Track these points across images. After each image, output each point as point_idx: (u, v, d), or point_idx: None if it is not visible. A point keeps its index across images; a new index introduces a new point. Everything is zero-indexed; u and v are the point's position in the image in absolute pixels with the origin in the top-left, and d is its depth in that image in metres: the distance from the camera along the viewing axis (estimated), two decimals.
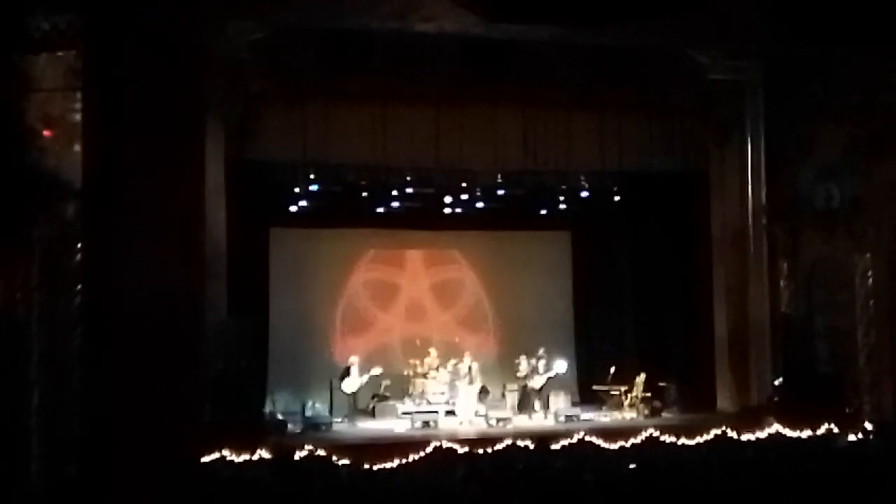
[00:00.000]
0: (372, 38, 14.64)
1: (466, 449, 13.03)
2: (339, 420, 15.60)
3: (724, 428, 14.26)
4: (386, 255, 18.66)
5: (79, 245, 10.21)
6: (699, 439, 13.99)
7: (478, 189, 17.04)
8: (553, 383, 16.59)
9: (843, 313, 15.96)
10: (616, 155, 16.43)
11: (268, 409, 15.33)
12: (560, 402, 16.41)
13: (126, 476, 6.45)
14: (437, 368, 16.73)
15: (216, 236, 13.55)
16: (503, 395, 16.82)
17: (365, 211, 17.53)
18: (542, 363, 16.32)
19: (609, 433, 14.07)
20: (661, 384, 16.62)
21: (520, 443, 13.38)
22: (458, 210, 17.67)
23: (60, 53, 11.28)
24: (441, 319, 18.60)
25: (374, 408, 16.44)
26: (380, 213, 17.59)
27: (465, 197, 17.26)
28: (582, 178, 17.01)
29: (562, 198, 17.78)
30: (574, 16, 14.23)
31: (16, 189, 11.22)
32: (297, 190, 16.40)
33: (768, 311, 16.09)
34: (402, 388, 16.79)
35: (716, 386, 16.67)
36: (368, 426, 15.63)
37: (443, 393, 16.32)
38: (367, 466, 12.31)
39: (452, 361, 16.52)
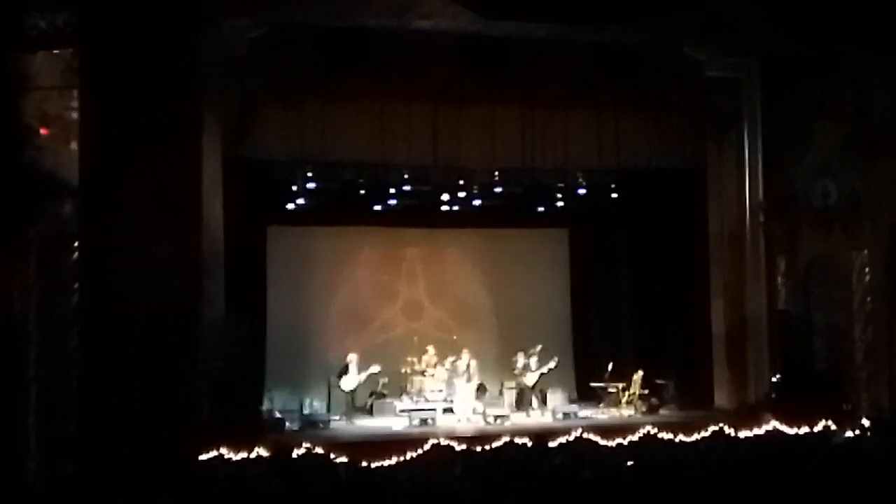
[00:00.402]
0: (369, 36, 14.63)
1: (464, 446, 13.02)
2: (337, 418, 15.60)
3: (721, 425, 14.28)
4: (383, 252, 18.65)
5: (76, 243, 10.20)
6: (697, 436, 14.00)
7: (475, 186, 17.03)
8: (551, 380, 16.60)
9: (841, 310, 15.99)
10: (613, 152, 16.41)
11: (266, 407, 15.33)
12: (558, 400, 16.43)
13: (124, 474, 6.45)
14: (434, 366, 16.74)
15: (214, 234, 13.54)
16: (501, 393, 16.83)
17: (362, 209, 17.52)
18: (533, 360, 16.31)
19: (607, 430, 14.08)
20: (659, 381, 16.63)
21: (517, 440, 13.40)
22: (456, 207, 17.66)
23: (57, 51, 11.28)
24: (439, 317, 18.60)
25: (371, 405, 16.44)
26: (377, 210, 17.58)
27: (462, 194, 17.25)
28: (579, 175, 17.00)
29: (559, 195, 17.77)
30: (571, 13, 14.24)
31: (13, 187, 11.22)
32: (294, 188, 16.39)
33: (765, 308, 16.10)
34: (399, 385, 16.79)
35: (713, 383, 16.68)
36: (366, 424, 15.63)
37: (441, 390, 16.33)
38: (364, 464, 12.33)
39: (450, 359, 16.53)
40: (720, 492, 11.29)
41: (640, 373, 16.37)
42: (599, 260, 19.39)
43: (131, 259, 6.56)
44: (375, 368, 16.03)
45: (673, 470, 11.94)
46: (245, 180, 14.90)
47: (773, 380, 15.73)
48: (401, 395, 16.60)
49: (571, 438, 13.55)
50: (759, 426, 14.50)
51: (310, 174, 16.01)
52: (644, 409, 16.16)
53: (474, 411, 15.69)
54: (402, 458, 12.60)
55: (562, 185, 17.30)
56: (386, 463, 12.46)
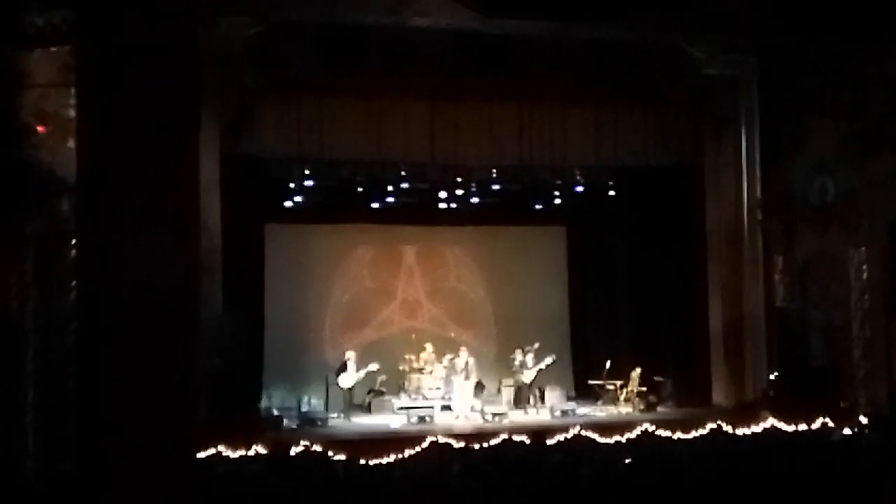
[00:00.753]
0: (367, 33, 14.62)
1: (462, 444, 13.04)
2: (335, 415, 15.60)
3: (719, 422, 14.30)
4: (381, 250, 18.64)
5: (73, 241, 10.21)
6: (694, 433, 14.02)
7: (473, 184, 17.04)
8: (549, 378, 16.60)
9: (838, 307, 16.01)
10: (611, 149, 16.42)
11: (264, 404, 15.33)
12: (556, 397, 16.44)
13: (122, 472, 6.45)
14: (432, 364, 16.74)
15: (211, 232, 13.53)
16: (499, 390, 16.84)
17: (360, 206, 17.51)
18: (531, 357, 16.32)
19: (605, 428, 14.10)
20: (657, 378, 16.64)
21: (515, 437, 13.41)
22: (454, 205, 17.66)
23: (54, 49, 11.27)
24: (436, 314, 18.60)
25: (370, 403, 16.44)
26: (375, 208, 17.57)
27: (460, 192, 17.25)
28: (577, 172, 17.01)
29: (557, 192, 17.77)
30: (569, 10, 14.25)
31: (10, 185, 11.21)
32: (292, 185, 16.39)
33: (763, 305, 16.11)
34: (398, 383, 16.79)
35: (711, 380, 16.69)
36: (364, 421, 15.63)
37: (438, 388, 16.33)
38: (363, 461, 12.34)
39: (448, 356, 16.53)
40: (718, 489, 11.30)
41: (638, 370, 16.37)
42: (597, 257, 19.39)
43: (129, 256, 6.55)
44: (374, 366, 16.03)
45: (671, 467, 11.94)
46: (243, 178, 14.89)
47: (771, 377, 15.74)
48: (399, 392, 16.60)
49: (569, 436, 13.56)
50: (757, 423, 14.52)
51: (307, 172, 16.01)
52: (642, 406, 16.16)
53: (472, 409, 15.68)
54: (400, 456, 12.60)
55: (559, 182, 17.31)
56: (384, 460, 12.46)
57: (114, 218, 6.62)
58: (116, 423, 6.48)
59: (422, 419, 15.04)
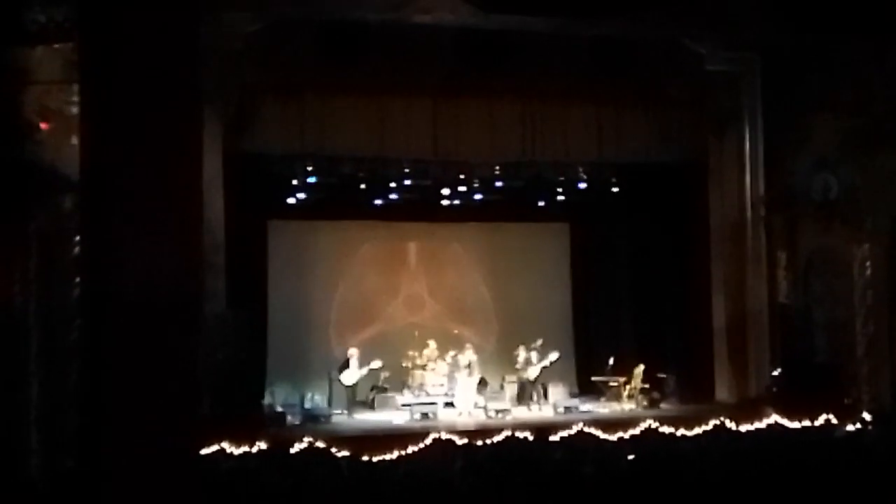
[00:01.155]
0: (369, 30, 14.61)
1: (465, 440, 13.04)
2: (339, 412, 15.61)
3: (722, 419, 14.26)
4: (384, 247, 18.64)
5: (77, 238, 10.21)
6: (697, 430, 14.00)
7: (475, 181, 17.03)
8: (552, 375, 16.59)
9: (841, 304, 15.98)
10: (614, 146, 16.40)
11: (267, 401, 15.33)
12: (559, 394, 16.43)
13: (125, 468, 6.45)
14: (435, 360, 16.74)
15: (214, 229, 13.53)
16: (502, 387, 16.83)
17: (363, 203, 17.51)
18: (534, 354, 16.32)
19: (608, 424, 14.07)
20: (660, 375, 16.63)
21: (519, 434, 13.39)
22: (456, 202, 17.65)
23: (57, 46, 11.26)
24: (439, 311, 18.59)
25: (373, 399, 16.45)
26: (377, 205, 17.57)
27: (462, 189, 17.25)
28: (580, 169, 17.00)
29: (560, 189, 17.76)
30: (571, 6, 14.23)
31: (13, 182, 11.21)
32: (294, 182, 16.39)
33: (766, 301, 16.10)
34: (401, 379, 16.79)
35: (714, 377, 16.69)
36: (367, 418, 15.64)
37: (442, 385, 16.33)
38: (366, 458, 12.34)
39: (451, 353, 16.53)
40: (721, 485, 11.32)
41: (641, 367, 16.36)
42: (600, 254, 19.38)
43: (132, 253, 6.56)
44: (376, 364, 16.03)
45: (674, 464, 11.97)
46: (245, 175, 14.89)
47: (774, 374, 15.73)
48: (402, 389, 16.60)
49: (572, 432, 13.54)
50: (760, 420, 14.49)
51: (310, 168, 16.00)
52: (645, 403, 16.16)
53: (475, 405, 15.69)
54: (403, 453, 12.60)
55: (562, 179, 17.30)
56: (387, 457, 12.47)
57: (117, 215, 6.62)
58: (119, 420, 6.49)
59: (425, 416, 15.04)
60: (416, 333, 17.52)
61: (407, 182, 16.77)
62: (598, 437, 13.56)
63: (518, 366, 16.38)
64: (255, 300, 15.86)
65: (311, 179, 16.22)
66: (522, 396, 16.32)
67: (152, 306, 6.54)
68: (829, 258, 16.06)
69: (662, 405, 16.26)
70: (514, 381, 16.55)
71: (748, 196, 16.26)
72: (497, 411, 15.37)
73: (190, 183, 6.96)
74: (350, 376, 15.83)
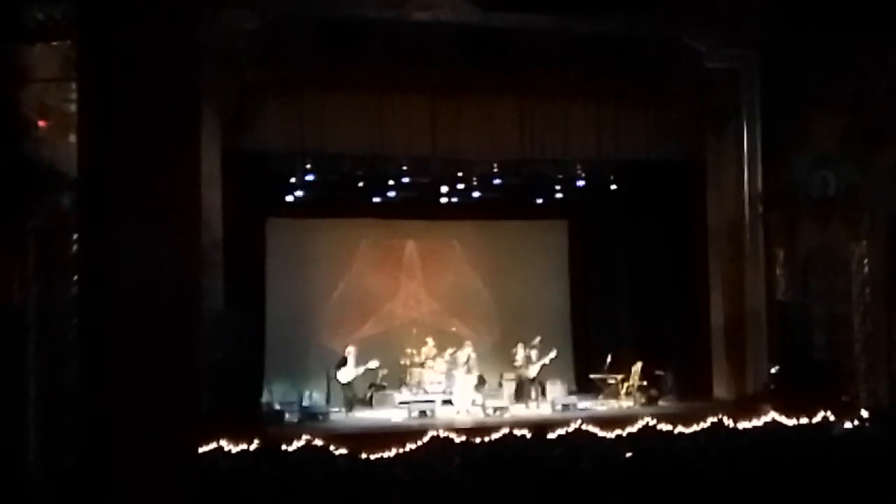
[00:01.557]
0: (368, 27, 14.60)
1: (463, 438, 13.05)
2: (337, 410, 15.62)
3: (720, 416, 14.30)
4: (382, 244, 18.64)
5: (75, 236, 10.19)
6: (695, 427, 14.02)
7: (474, 178, 17.03)
8: (550, 372, 16.60)
9: (840, 301, 16.00)
10: (612, 143, 16.40)
11: (265, 399, 15.34)
12: (557, 391, 16.44)
13: (123, 466, 6.45)
14: (434, 358, 16.74)
15: (213, 226, 13.53)
16: (500, 385, 16.85)
17: (361, 200, 17.51)
18: (534, 352, 16.33)
19: (606, 422, 14.09)
20: (658, 372, 16.65)
21: (517, 432, 13.42)
22: (455, 199, 17.66)
23: (55, 43, 11.25)
24: (437, 309, 18.60)
25: (371, 397, 16.45)
26: (376, 202, 17.57)
27: (461, 186, 17.26)
28: (578, 166, 16.99)
29: (558, 186, 17.77)
30: (571, 4, 14.23)
31: (11, 180, 11.21)
32: (293, 180, 16.38)
33: (764, 299, 16.11)
34: (399, 377, 16.80)
35: (712, 374, 16.70)
36: (366, 416, 15.64)
37: (440, 382, 16.34)
38: (364, 456, 12.35)
39: (449, 350, 16.54)
40: (719, 483, 11.32)
41: (639, 364, 16.38)
42: (599, 251, 19.39)
43: (130, 251, 6.55)
44: (374, 364, 16.02)
45: (671, 461, 11.97)
46: (244, 172, 14.89)
47: (772, 371, 15.74)
48: (400, 386, 16.61)
49: (570, 430, 13.57)
50: (758, 417, 14.52)
51: (309, 166, 16.00)
52: (643, 400, 16.18)
53: (473, 403, 15.70)
54: (401, 450, 12.62)
55: (561, 176, 17.31)
56: (385, 455, 12.48)
57: (115, 213, 6.61)
58: (118, 418, 6.48)
59: (423, 413, 15.05)
60: (415, 331, 17.54)
61: (406, 180, 16.76)
62: (596, 434, 13.58)
63: (517, 363, 16.39)
64: (253, 298, 15.86)
65: (310, 177, 16.22)
66: (520, 394, 16.34)
67: (150, 304, 6.53)
68: (828, 255, 16.08)
69: (660, 402, 16.28)
70: (512, 379, 16.57)
71: (747, 193, 16.27)
72: (495, 409, 15.38)
73: (188, 181, 6.94)
74: (346, 374, 15.83)
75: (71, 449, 9.93)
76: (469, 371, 16.05)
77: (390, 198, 17.38)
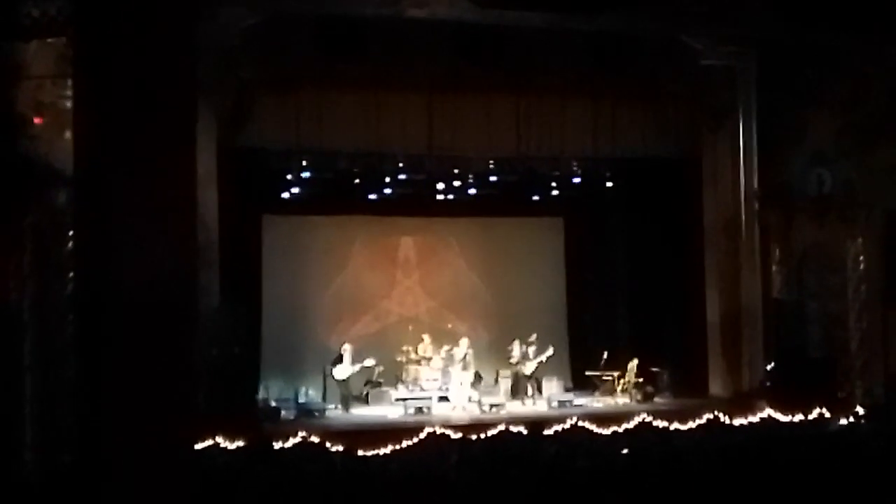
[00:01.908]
0: (364, 25, 14.59)
1: (460, 435, 13.07)
2: (333, 407, 15.62)
3: (716, 413, 14.33)
4: (378, 241, 18.64)
5: (71, 233, 10.20)
6: (691, 424, 14.06)
7: (470, 175, 17.03)
8: (546, 369, 16.61)
9: (835, 298, 16.03)
10: (609, 141, 16.40)
11: (261, 396, 15.34)
12: (553, 388, 16.46)
13: (120, 463, 6.46)
14: (430, 355, 16.75)
15: (209, 223, 13.53)
16: (496, 381, 16.86)
17: (358, 198, 17.49)
18: (531, 349, 16.34)
19: (602, 418, 14.13)
20: (654, 369, 16.67)
21: (513, 428, 13.45)
22: (451, 196, 17.65)
23: (51, 40, 11.23)
24: (434, 306, 18.60)
25: (367, 394, 16.45)
26: (372, 199, 17.56)
27: (457, 183, 17.25)
28: (574, 164, 17.00)
29: (554, 184, 17.77)
30: (567, 2, 14.24)
31: (7, 177, 11.19)
32: (289, 177, 16.37)
33: (760, 296, 16.13)
34: (395, 374, 16.81)
35: (708, 371, 16.71)
36: (362, 413, 15.64)
37: (436, 379, 16.35)
38: (360, 453, 12.37)
39: (446, 348, 16.55)
40: (715, 479, 11.34)
41: (635, 361, 16.41)
42: (595, 249, 19.39)
43: (126, 248, 6.55)
44: (370, 361, 16.00)
45: (668, 458, 11.99)
46: (240, 170, 14.88)
47: (768, 368, 15.77)
48: (396, 383, 16.62)
49: (567, 426, 13.60)
50: (754, 414, 14.56)
51: (305, 163, 15.99)
52: (639, 397, 16.20)
53: (470, 400, 15.71)
54: (397, 447, 12.63)
55: (557, 174, 17.31)
56: (381, 451, 12.49)
57: (111, 210, 6.61)
58: (115, 415, 6.49)
59: (419, 410, 15.06)
60: (411, 328, 17.54)
61: (402, 177, 16.76)
62: (592, 431, 13.61)
63: (513, 360, 16.40)
64: (249, 295, 15.85)
65: (306, 174, 16.21)
66: (517, 391, 16.35)
67: (147, 301, 6.54)
68: (824, 253, 16.10)
69: (656, 399, 16.30)
70: (508, 376, 16.58)
71: (743, 191, 16.28)
72: (491, 405, 15.40)
73: (184, 177, 6.95)
74: (343, 371, 15.83)
75: (68, 446, 9.94)
76: (465, 368, 16.05)
77: (387, 195, 17.37)
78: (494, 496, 11.11)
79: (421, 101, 15.58)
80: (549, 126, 16.08)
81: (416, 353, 16.88)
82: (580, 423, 13.67)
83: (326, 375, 16.08)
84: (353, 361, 15.84)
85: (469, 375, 16.04)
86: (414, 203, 17.89)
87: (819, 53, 15.35)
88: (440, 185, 17.34)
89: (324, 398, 15.88)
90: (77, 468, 7.26)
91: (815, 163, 16.01)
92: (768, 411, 14.59)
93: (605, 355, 16.74)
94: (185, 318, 6.82)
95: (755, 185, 16.20)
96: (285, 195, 16.77)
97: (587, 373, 17.19)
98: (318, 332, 17.74)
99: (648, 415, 14.20)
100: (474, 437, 13.06)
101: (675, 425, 13.99)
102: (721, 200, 16.61)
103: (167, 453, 6.55)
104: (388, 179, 16.92)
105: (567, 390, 16.91)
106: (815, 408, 14.53)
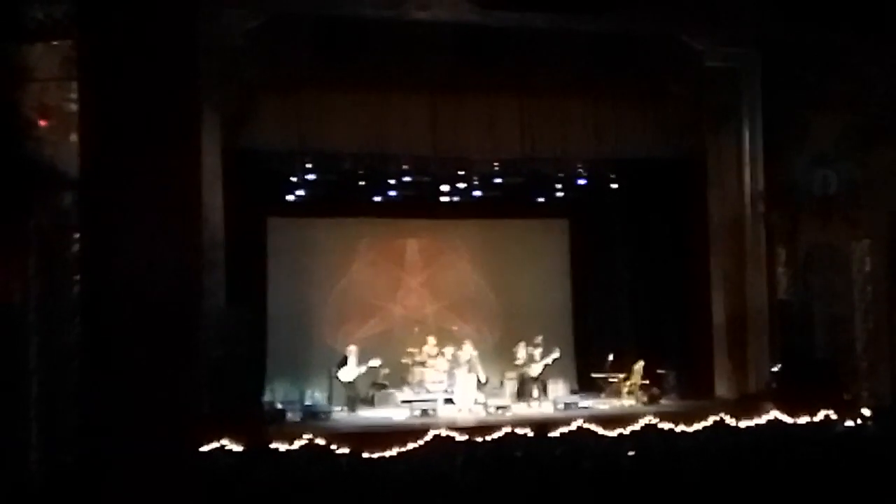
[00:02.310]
0: (367, 27, 14.60)
1: (465, 437, 13.06)
2: (339, 409, 15.62)
3: (722, 415, 14.29)
4: (383, 243, 18.66)
5: (76, 235, 10.19)
6: (697, 426, 14.02)
7: (475, 177, 17.04)
8: (551, 371, 16.61)
9: (841, 299, 16.00)
10: (613, 142, 16.41)
11: (267, 398, 15.35)
12: (558, 390, 16.45)
13: (124, 465, 6.46)
14: (435, 357, 16.74)
15: (213, 225, 13.53)
16: (502, 383, 16.85)
17: (362, 199, 17.52)
18: (538, 351, 16.33)
19: (607, 420, 14.10)
20: (660, 371, 16.65)
21: (518, 430, 13.42)
22: (456, 198, 17.67)
23: (56, 43, 11.26)
24: (439, 308, 18.60)
25: (373, 396, 16.46)
26: (377, 201, 17.58)
27: (462, 185, 17.27)
28: (579, 165, 17.01)
29: (559, 185, 17.78)
30: (570, 3, 14.24)
31: (12, 179, 11.20)
32: (293, 179, 16.40)
33: (766, 297, 16.09)
34: (401, 376, 16.81)
35: (714, 373, 16.68)
36: (367, 415, 15.65)
37: (441, 381, 16.34)
38: (366, 455, 12.34)
39: (451, 349, 16.54)
40: (721, 482, 11.30)
41: (641, 363, 16.39)
42: (600, 250, 19.38)
43: (131, 250, 6.55)
44: (375, 362, 16.03)
45: (673, 460, 11.95)
46: (244, 172, 14.89)
47: (774, 369, 15.74)
48: (402, 385, 16.62)
49: (572, 428, 13.57)
50: (760, 416, 14.51)
51: (309, 165, 16.02)
52: (645, 399, 16.18)
53: (475, 402, 15.70)
54: (403, 449, 12.61)
55: (561, 175, 17.32)
56: (387, 454, 12.47)
57: (116, 212, 6.61)
58: (119, 417, 6.48)
59: (425, 412, 15.06)
60: (416, 330, 17.55)
61: (406, 179, 16.78)
62: (597, 433, 13.58)
63: (519, 362, 16.39)
64: (254, 297, 15.86)
65: (311, 176, 16.24)
66: (522, 393, 16.34)
67: (152, 303, 6.53)
68: (829, 254, 16.07)
69: (662, 401, 16.28)
70: (513, 378, 16.57)
71: (747, 192, 16.24)
72: (497, 408, 15.39)
73: (189, 179, 6.94)
74: (348, 373, 15.84)
75: (72, 448, 9.93)
76: (471, 370, 16.05)
77: (391, 197, 17.39)
78: (500, 498, 11.09)
79: (424, 102, 15.60)
80: (552, 127, 16.10)
81: (422, 354, 16.87)
82: (586, 425, 13.65)
83: (332, 377, 16.09)
84: (359, 363, 15.84)
85: (474, 377, 16.04)
86: (418, 205, 17.92)
87: (823, 53, 15.33)
88: (444, 187, 17.35)
89: (329, 400, 15.88)
90: (81, 470, 7.26)
91: (819, 164, 15.97)
92: (774, 413, 14.54)
93: (611, 357, 16.73)
94: (189, 320, 6.81)
95: (759, 185, 16.16)
96: (290, 197, 16.81)
97: (593, 375, 17.19)
98: (323, 334, 17.75)
99: (654, 417, 14.17)
100: (480, 439, 13.04)
101: (680, 427, 13.96)
102: (725, 202, 16.59)
103: (172, 455, 6.54)
104: (392, 181, 16.95)
105: (573, 392, 16.90)
106: (821, 410, 14.49)
